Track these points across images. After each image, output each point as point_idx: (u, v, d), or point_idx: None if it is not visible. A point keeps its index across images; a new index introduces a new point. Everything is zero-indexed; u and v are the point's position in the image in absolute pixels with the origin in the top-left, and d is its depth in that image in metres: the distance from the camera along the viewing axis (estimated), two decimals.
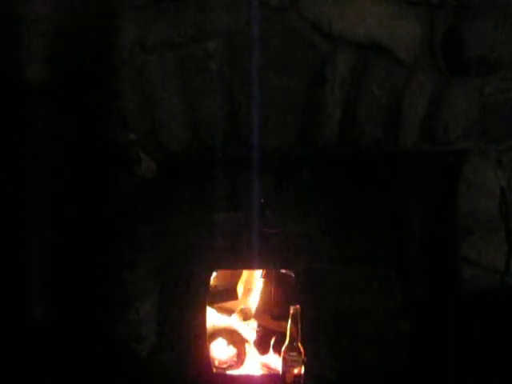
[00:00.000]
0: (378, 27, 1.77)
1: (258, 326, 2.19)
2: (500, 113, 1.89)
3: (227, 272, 2.20)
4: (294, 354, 1.79)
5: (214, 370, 2.03)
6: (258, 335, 2.16)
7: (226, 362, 2.11)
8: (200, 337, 1.98)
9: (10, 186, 1.79)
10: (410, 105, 1.82)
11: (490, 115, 1.88)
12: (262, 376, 2.08)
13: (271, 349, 2.12)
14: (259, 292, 2.26)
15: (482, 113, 1.87)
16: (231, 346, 2.14)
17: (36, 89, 1.77)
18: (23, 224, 1.82)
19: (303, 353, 1.80)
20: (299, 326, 1.79)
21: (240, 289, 2.27)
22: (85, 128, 1.78)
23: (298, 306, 1.80)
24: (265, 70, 1.75)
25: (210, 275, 2.02)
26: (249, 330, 2.19)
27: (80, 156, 1.80)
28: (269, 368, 2.12)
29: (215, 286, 2.15)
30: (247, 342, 2.16)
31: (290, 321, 1.80)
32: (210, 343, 2.06)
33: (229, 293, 2.21)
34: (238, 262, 2.01)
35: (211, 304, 2.13)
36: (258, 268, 2.17)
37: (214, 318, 2.15)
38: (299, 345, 1.80)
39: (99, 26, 1.75)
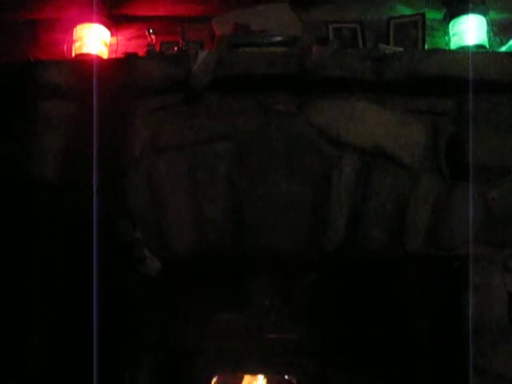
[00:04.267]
0: (383, 134, 1.82)
1: None
2: (504, 218, 1.89)
3: (229, 375, 2.14)
4: None
5: None
6: None
7: None
8: None
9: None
10: (414, 209, 1.83)
11: (495, 220, 1.89)
12: None
13: None
14: None
15: (486, 218, 1.88)
16: None
17: (47, 185, 1.80)
18: (26, 331, 1.80)
19: None
20: None
21: None
22: (92, 225, 1.79)
23: None
24: (272, 174, 1.79)
25: (211, 379, 1.96)
26: None
27: (85, 253, 1.79)
28: None
29: None
30: None
31: None
32: None
33: None
34: (240, 366, 1.97)
35: None
36: (261, 373, 2.10)
37: None
38: None
39: (112, 126, 1.80)
